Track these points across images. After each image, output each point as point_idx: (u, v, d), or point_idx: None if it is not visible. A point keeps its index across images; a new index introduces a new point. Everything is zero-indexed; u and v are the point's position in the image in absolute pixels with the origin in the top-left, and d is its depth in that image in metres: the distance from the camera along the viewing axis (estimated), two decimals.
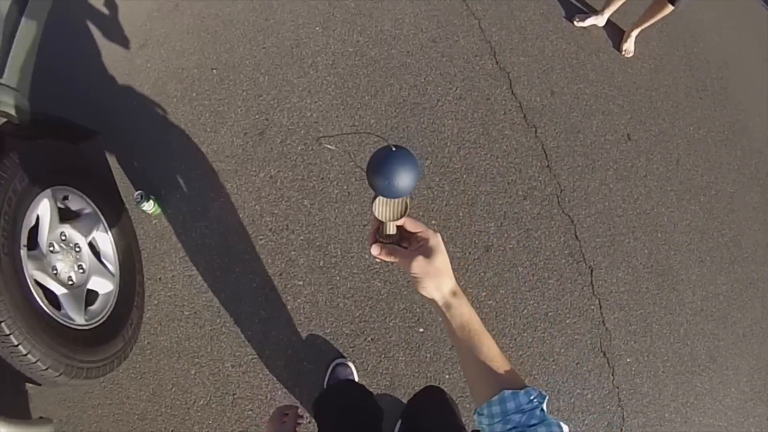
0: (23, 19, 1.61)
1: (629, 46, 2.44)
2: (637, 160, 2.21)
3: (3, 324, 1.23)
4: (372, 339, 1.75)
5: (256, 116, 2.02)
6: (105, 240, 1.74)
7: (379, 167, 0.53)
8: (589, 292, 1.98)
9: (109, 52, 2.32)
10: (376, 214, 0.61)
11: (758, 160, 2.71)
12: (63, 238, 1.58)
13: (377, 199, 0.60)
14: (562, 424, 0.57)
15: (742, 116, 2.76)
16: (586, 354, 2.00)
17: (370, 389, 1.32)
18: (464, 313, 0.62)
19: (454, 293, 0.63)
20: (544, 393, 0.60)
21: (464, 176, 1.92)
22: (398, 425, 1.51)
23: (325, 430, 1.08)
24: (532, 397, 0.58)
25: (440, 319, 0.64)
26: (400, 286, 1.80)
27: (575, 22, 2.42)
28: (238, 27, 2.36)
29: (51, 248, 1.53)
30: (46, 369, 1.32)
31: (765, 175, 2.69)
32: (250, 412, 1.76)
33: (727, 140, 2.62)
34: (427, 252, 0.61)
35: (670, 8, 2.31)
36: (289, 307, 1.82)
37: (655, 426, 2.07)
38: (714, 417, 2.22)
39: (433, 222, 1.86)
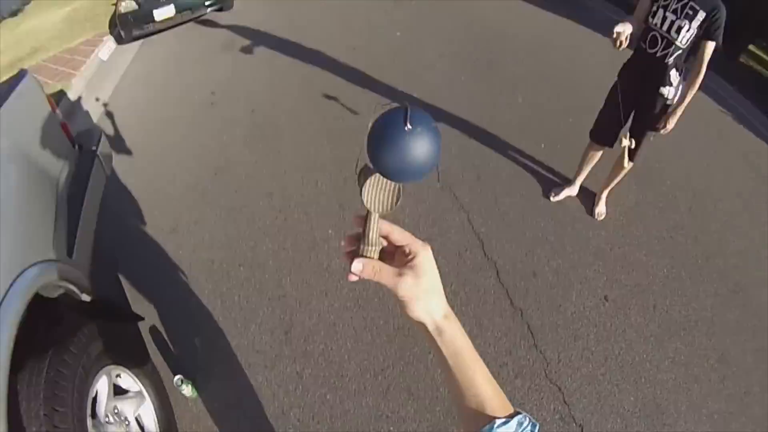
0: (86, 196, 1.85)
1: (600, 209, 2.85)
2: (615, 317, 2.60)
3: None
4: None
5: (282, 315, 2.45)
6: (149, 416, 1.96)
7: (395, 133, 0.42)
8: None
9: (143, 234, 2.72)
10: (365, 201, 0.51)
11: (735, 275, 2.95)
12: (116, 411, 1.80)
13: (370, 180, 0.50)
14: None
15: (713, 238, 3.05)
16: None
17: None
18: (456, 338, 0.58)
19: (446, 316, 0.58)
20: (534, 421, 0.58)
21: None
22: None
23: None
24: (523, 426, 0.56)
25: (428, 344, 0.60)
26: None
27: (551, 198, 2.87)
28: (259, 225, 2.81)
29: (107, 419, 1.73)
30: None
31: (744, 287, 2.94)
32: None
33: (700, 269, 2.92)
34: (416, 270, 0.56)
35: (630, 164, 2.69)
36: None
37: None
38: None
39: (437, 409, 2.27)
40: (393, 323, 2.45)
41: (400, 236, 0.58)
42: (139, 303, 2.29)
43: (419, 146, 0.42)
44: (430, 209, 2.82)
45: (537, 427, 0.56)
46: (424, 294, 0.57)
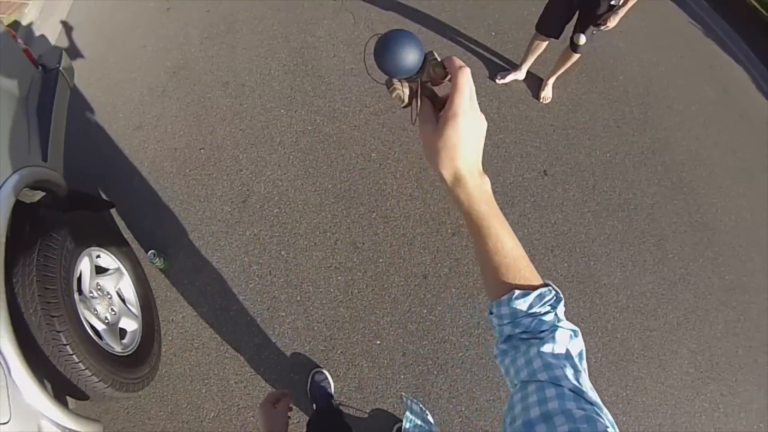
0: (54, 108, 2.08)
1: (546, 93, 2.97)
2: (554, 191, 2.75)
3: (68, 347, 1.61)
4: (341, 352, 2.35)
5: (240, 187, 2.63)
6: (128, 289, 2.21)
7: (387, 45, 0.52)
8: None
9: (109, 134, 2.90)
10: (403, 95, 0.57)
11: (682, 171, 3.11)
12: (98, 287, 2.03)
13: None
14: (575, 331, 0.55)
15: (663, 134, 3.18)
16: None
17: (342, 396, 1.91)
18: (471, 195, 0.55)
19: (457, 177, 0.54)
20: (560, 295, 0.55)
21: (403, 222, 2.53)
22: None
23: None
24: (544, 300, 0.54)
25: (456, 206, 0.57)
26: (359, 310, 2.42)
27: (497, 80, 2.98)
28: (217, 111, 2.98)
29: (91, 294, 1.96)
30: (99, 381, 1.71)
31: (689, 183, 3.09)
32: (252, 418, 2.30)
33: (646, 160, 3.07)
34: (443, 121, 0.53)
35: (576, 56, 2.80)
36: (276, 333, 2.40)
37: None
38: (659, 397, 2.57)
39: (380, 261, 2.47)
40: (341, 186, 2.61)
41: (452, 64, 0.54)
42: (111, 192, 2.47)
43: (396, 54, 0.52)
44: (375, 86, 2.92)
45: (561, 301, 0.55)
46: (441, 149, 0.53)
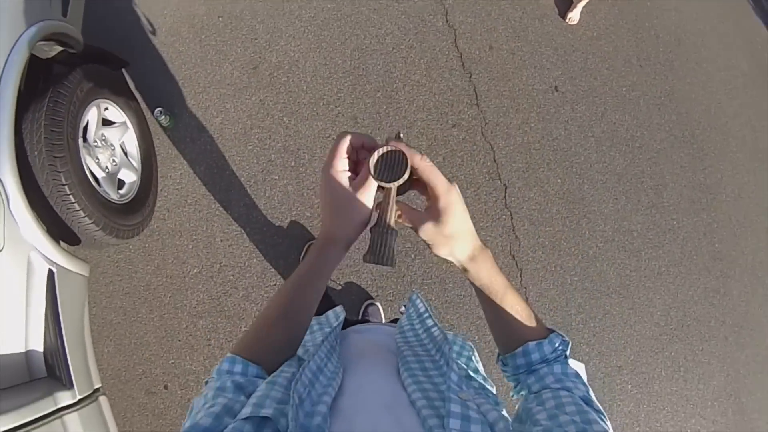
0: None
1: (574, 15, 2.96)
2: (561, 108, 2.79)
3: (67, 188, 1.70)
4: None
5: (252, 54, 2.69)
6: (132, 143, 2.30)
7: None
8: (501, 205, 2.60)
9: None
10: (373, 172, 0.58)
11: (695, 127, 3.10)
12: (103, 138, 2.13)
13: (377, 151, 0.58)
14: (580, 367, 0.62)
15: (684, 87, 3.15)
16: (496, 254, 2.56)
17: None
18: (483, 276, 0.62)
19: (472, 258, 0.61)
20: (566, 339, 0.62)
21: (406, 106, 2.60)
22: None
23: None
24: (556, 345, 0.61)
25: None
26: None
27: None
28: None
29: (95, 144, 2.06)
30: (91, 223, 1.78)
31: (700, 142, 3.08)
32: (232, 277, 2.43)
33: (662, 105, 3.06)
34: (438, 215, 0.58)
35: None
36: (267, 195, 2.50)
37: (562, 331, 2.65)
38: (624, 339, 2.66)
39: (377, 138, 2.52)
40: (351, 63, 2.67)
41: (426, 173, 0.58)
42: (127, 53, 2.50)
43: None
44: None
45: (569, 344, 0.63)
46: (447, 239, 0.59)
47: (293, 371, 0.54)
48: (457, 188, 0.60)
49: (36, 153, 1.65)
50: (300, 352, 0.64)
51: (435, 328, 0.66)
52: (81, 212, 1.75)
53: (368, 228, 0.63)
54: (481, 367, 0.86)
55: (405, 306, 0.94)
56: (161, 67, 2.69)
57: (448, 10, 2.77)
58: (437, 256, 0.62)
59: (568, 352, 0.63)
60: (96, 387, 1.77)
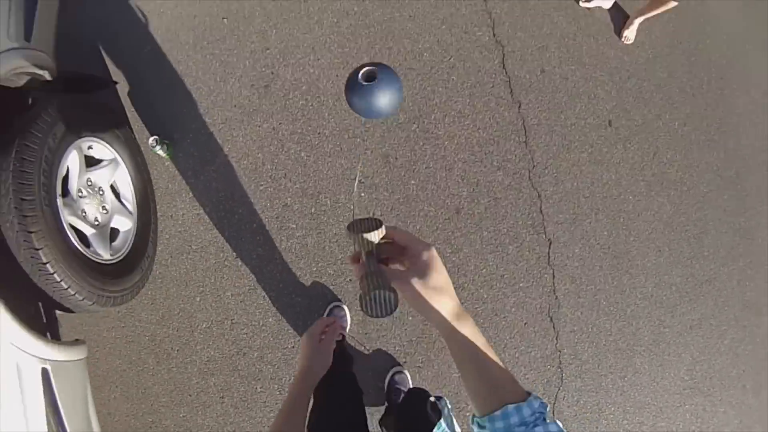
0: None
1: (630, 34, 2.64)
2: (614, 146, 2.49)
3: (48, 266, 1.55)
4: (350, 280, 2.12)
5: (263, 69, 2.29)
6: (125, 182, 2.05)
7: (355, 86, 0.61)
8: (544, 262, 2.31)
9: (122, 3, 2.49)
10: (350, 231, 0.61)
11: (740, 165, 2.92)
12: (89, 183, 1.89)
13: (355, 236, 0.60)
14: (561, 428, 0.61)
15: (733, 120, 2.96)
16: (534, 316, 2.34)
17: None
18: (466, 337, 0.62)
19: (458, 314, 0.63)
20: (544, 402, 0.62)
21: (446, 143, 2.23)
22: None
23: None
24: (535, 407, 0.60)
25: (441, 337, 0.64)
26: None
27: (581, 2, 2.61)
28: None
29: (80, 194, 1.84)
30: (83, 300, 1.67)
31: (743, 181, 2.91)
32: (245, 335, 2.16)
33: (711, 141, 2.85)
34: (422, 268, 0.60)
35: (673, 3, 2.49)
36: (282, 246, 2.18)
37: (591, 391, 2.43)
38: (650, 396, 2.57)
39: (411, 182, 2.17)
40: None
41: (403, 238, 0.62)
42: (117, 64, 2.21)
43: (377, 98, 0.65)
44: None
45: (547, 407, 0.61)
46: (434, 292, 0.59)
47: None
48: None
49: (8, 225, 1.52)
50: None
51: None
52: (69, 290, 1.61)
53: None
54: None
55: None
56: (156, 81, 2.32)
57: (495, 21, 2.35)
58: (421, 314, 0.62)
59: (546, 416, 0.62)
60: None
